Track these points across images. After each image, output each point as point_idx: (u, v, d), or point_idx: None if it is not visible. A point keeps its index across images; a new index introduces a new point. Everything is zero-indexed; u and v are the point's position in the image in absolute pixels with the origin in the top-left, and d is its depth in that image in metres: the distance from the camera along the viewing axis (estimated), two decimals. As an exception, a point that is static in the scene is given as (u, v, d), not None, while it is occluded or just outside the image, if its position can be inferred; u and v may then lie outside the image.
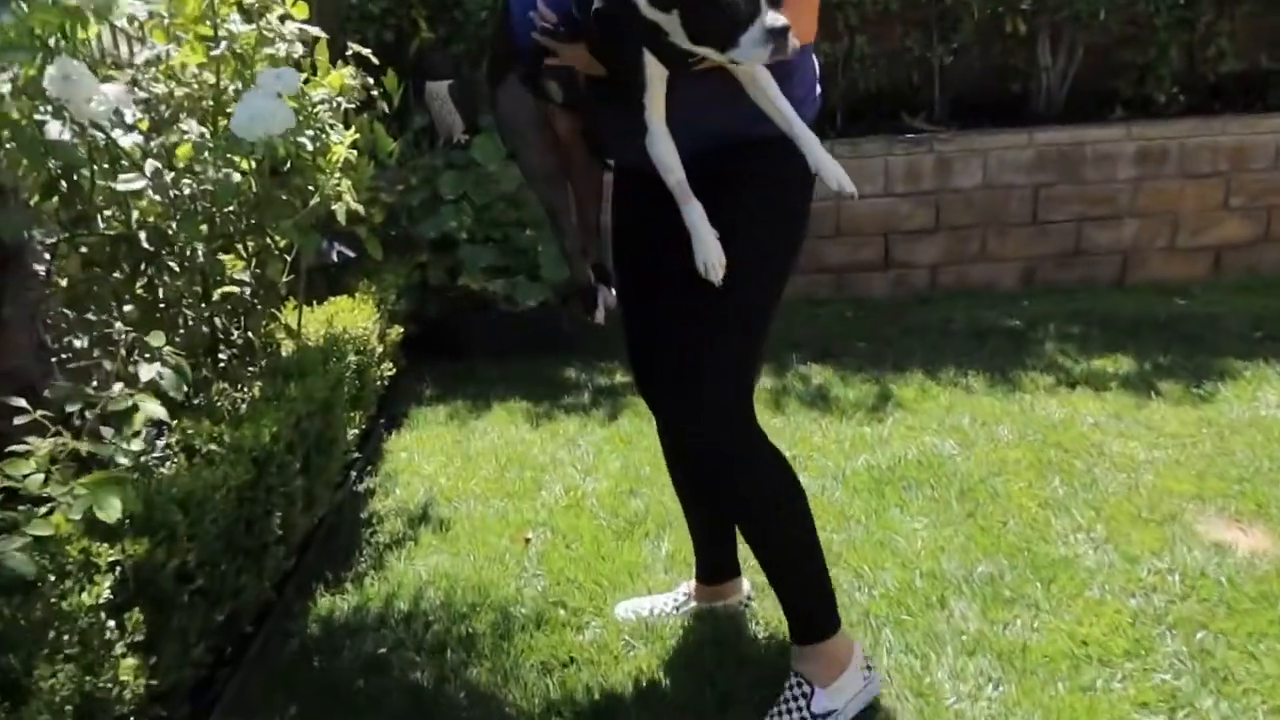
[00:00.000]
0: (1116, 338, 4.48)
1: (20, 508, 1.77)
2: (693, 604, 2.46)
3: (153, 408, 1.92)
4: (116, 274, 2.87)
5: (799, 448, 3.47)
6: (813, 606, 2.06)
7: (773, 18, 1.59)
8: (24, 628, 1.75)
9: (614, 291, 2.22)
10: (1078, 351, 4.34)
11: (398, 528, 3.10)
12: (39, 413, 1.88)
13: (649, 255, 2.03)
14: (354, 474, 3.53)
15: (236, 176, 2.69)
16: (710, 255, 1.76)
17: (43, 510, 1.78)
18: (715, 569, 2.42)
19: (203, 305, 2.97)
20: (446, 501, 3.26)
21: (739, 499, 1.98)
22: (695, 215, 1.78)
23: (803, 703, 2.01)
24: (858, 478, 3.20)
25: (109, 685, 1.79)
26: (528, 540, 2.95)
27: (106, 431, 1.88)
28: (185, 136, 2.62)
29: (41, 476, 1.73)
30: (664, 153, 1.79)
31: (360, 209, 3.35)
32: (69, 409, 1.86)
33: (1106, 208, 5.38)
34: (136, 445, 1.90)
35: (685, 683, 2.21)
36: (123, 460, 1.87)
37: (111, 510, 1.71)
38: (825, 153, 1.81)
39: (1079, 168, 5.32)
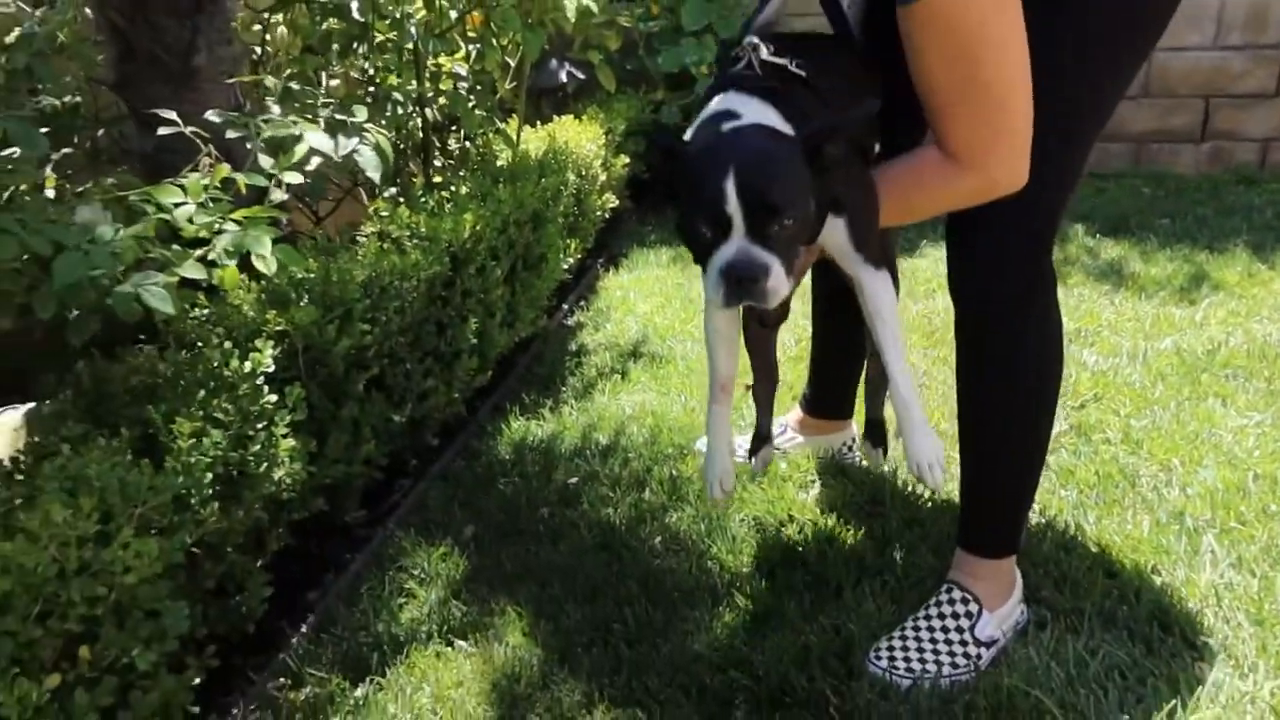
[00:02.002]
0: None
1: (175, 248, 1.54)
2: (798, 439, 2.15)
3: (317, 138, 1.62)
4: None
5: (1083, 321, 2.85)
6: (1013, 515, 1.61)
7: (738, 251, 1.16)
8: (170, 382, 1.54)
9: None
10: None
11: (606, 361, 2.78)
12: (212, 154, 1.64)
13: None
14: (565, 306, 3.25)
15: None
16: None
17: (199, 253, 1.54)
18: (836, 405, 2.14)
19: (414, 94, 2.70)
20: (661, 340, 2.90)
21: (998, 352, 1.49)
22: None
23: (966, 623, 1.56)
24: (1162, 360, 2.56)
25: (262, 459, 1.55)
26: (748, 387, 2.54)
27: (266, 162, 1.61)
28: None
29: (192, 207, 1.47)
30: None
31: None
32: (229, 136, 1.60)
33: None
34: (294, 178, 1.62)
35: (928, 556, 1.76)
36: (278, 195, 1.60)
37: (262, 248, 1.44)
38: (926, 434, 1.45)
39: None
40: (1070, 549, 1.79)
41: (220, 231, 1.46)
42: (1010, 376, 1.52)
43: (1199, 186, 4.27)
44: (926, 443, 1.44)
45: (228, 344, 1.66)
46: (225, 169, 1.54)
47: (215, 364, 1.62)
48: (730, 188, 1.13)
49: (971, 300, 1.51)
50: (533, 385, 2.66)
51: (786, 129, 1.26)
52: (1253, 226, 3.67)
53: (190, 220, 1.49)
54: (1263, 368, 2.49)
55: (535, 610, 1.71)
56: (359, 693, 1.56)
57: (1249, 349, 2.60)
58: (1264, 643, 1.53)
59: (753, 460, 1.87)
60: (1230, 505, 1.89)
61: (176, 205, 1.48)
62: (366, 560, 1.91)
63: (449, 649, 1.63)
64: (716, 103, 1.32)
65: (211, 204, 1.52)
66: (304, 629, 1.72)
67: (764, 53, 1.34)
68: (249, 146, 1.61)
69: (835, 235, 1.38)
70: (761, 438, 1.87)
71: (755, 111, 1.28)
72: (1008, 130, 1.31)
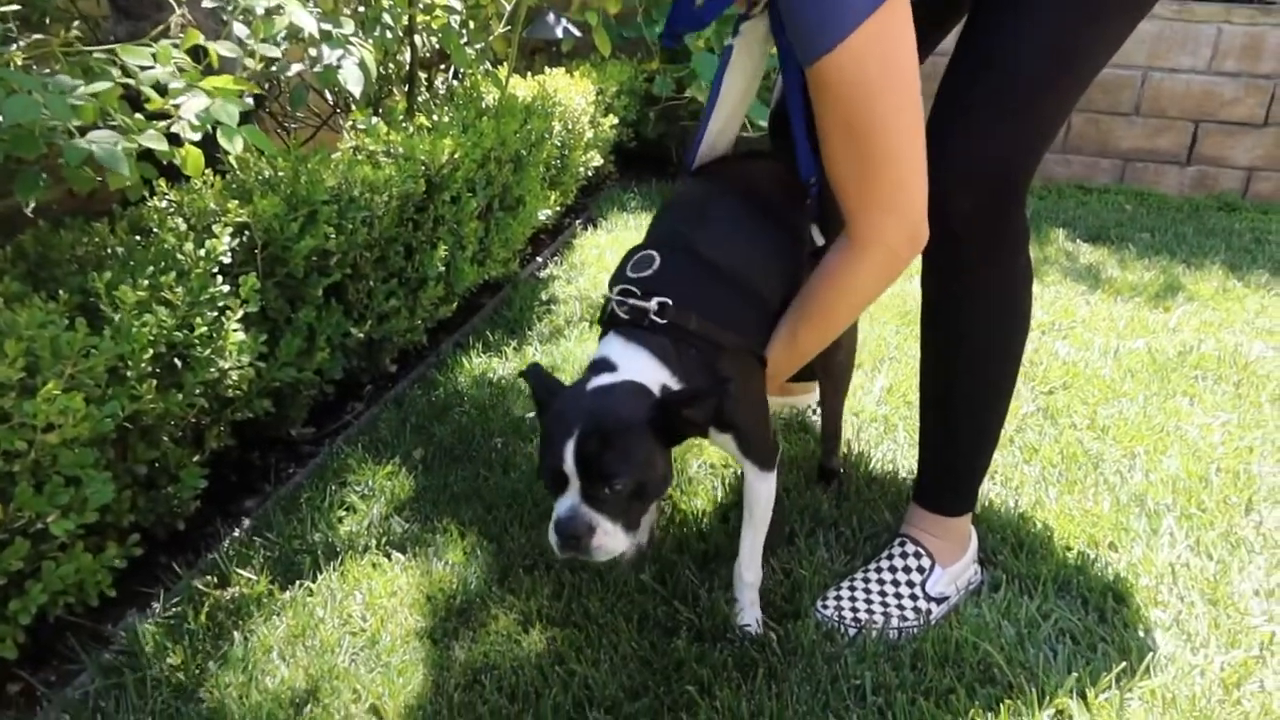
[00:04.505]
0: None
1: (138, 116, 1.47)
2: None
3: (300, 14, 1.56)
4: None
5: (1058, 315, 2.84)
6: (971, 472, 1.57)
7: (568, 509, 1.19)
8: (120, 256, 1.47)
9: None
10: None
11: (574, 311, 2.72)
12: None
13: None
14: (540, 259, 3.19)
15: None
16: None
17: (163, 124, 1.47)
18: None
19: (405, 19, 2.63)
20: (633, 296, 2.85)
21: (961, 300, 1.45)
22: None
23: (918, 577, 1.53)
24: (1133, 358, 2.55)
25: (207, 344, 1.48)
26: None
27: (242, 31, 1.54)
28: None
29: (159, 71, 1.40)
30: None
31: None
32: (209, 4, 1.53)
33: None
34: (271, 51, 1.55)
35: (884, 513, 1.72)
36: (250, 64, 1.53)
37: (229, 119, 1.37)
38: (752, 606, 1.47)
39: None
40: (1030, 519, 1.76)
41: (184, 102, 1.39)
42: (972, 323, 1.47)
43: (1180, 208, 4.29)
44: (752, 613, 1.48)
45: (183, 228, 1.60)
46: (197, 34, 1.46)
47: (169, 246, 1.56)
48: (569, 451, 1.17)
49: (936, 253, 1.47)
50: (499, 326, 2.61)
51: (661, 378, 1.26)
52: (1230, 247, 3.68)
53: (156, 86, 1.41)
54: (1232, 373, 2.48)
55: (479, 531, 1.65)
56: (287, 595, 1.49)
57: (1220, 355, 2.59)
58: (1216, 620, 1.51)
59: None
60: (1192, 493, 1.87)
61: (143, 69, 1.41)
62: (310, 473, 1.85)
63: (386, 560, 1.57)
64: (600, 348, 1.32)
65: (180, 72, 1.45)
66: (237, 532, 1.65)
67: (630, 302, 1.30)
68: (225, 19, 1.54)
69: (726, 445, 1.41)
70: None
71: (631, 364, 1.27)
72: (899, 202, 1.29)
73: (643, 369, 1.25)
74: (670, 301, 1.28)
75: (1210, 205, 4.36)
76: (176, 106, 1.41)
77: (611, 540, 1.19)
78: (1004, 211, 1.41)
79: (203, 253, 1.55)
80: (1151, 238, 3.78)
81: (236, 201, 1.67)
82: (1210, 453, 2.05)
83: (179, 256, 1.53)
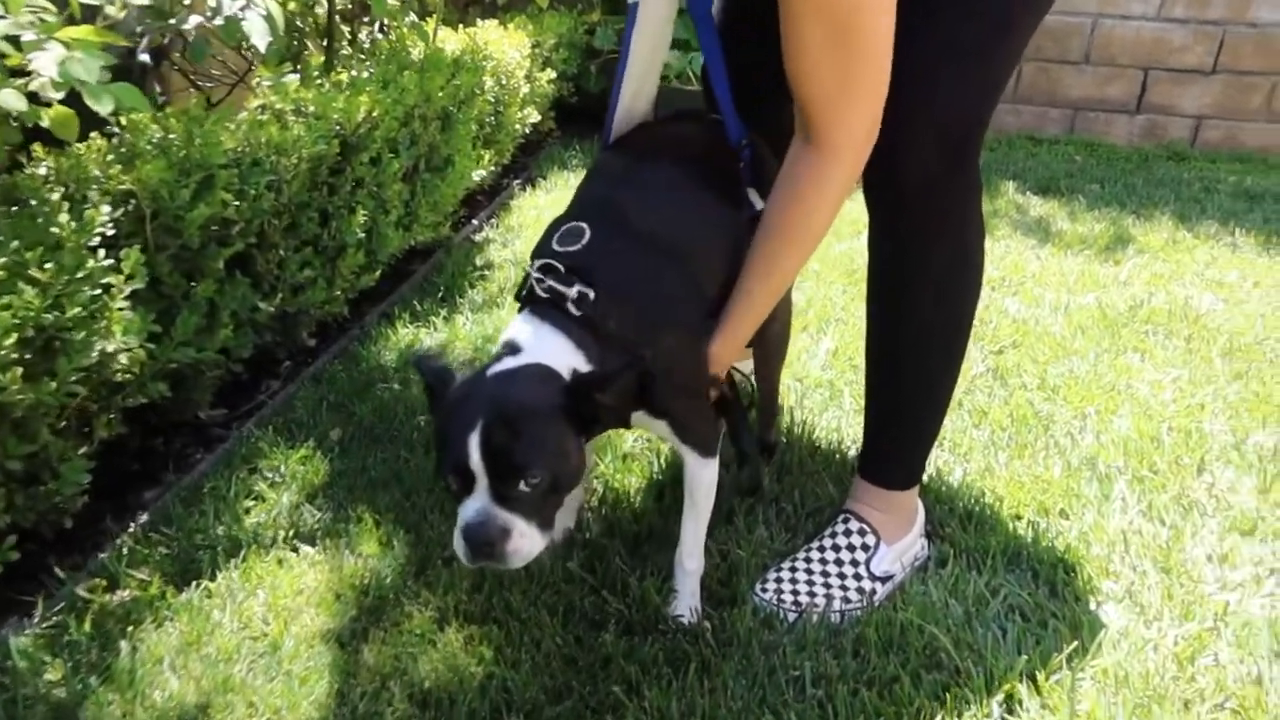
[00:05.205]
0: None
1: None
2: None
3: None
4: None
5: (1008, 271, 2.76)
6: (918, 442, 1.50)
7: (477, 512, 1.06)
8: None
9: None
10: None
11: (509, 277, 2.60)
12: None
13: None
14: (475, 221, 3.05)
15: None
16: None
17: (21, 82, 1.32)
18: None
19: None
20: (570, 260, 2.73)
21: (910, 263, 1.36)
22: None
23: (862, 556, 1.45)
24: (1084, 313, 2.48)
25: (83, 326, 1.34)
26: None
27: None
28: None
29: (7, 23, 1.25)
30: None
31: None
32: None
33: None
34: (138, -2, 1.40)
35: (828, 486, 1.64)
36: (111, 11, 1.37)
37: (89, 74, 1.22)
38: (692, 596, 1.39)
39: None
40: (979, 487, 1.69)
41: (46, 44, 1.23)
42: (921, 281, 1.38)
43: (1129, 158, 4.24)
44: (689, 602, 1.39)
45: (56, 197, 1.45)
46: (49, -20, 1.31)
47: (40, 219, 1.41)
48: (474, 443, 1.05)
49: (885, 206, 1.37)
50: (428, 295, 2.47)
51: (573, 361, 1.15)
52: (1180, 198, 3.63)
53: (9, 39, 1.26)
54: (1183, 327, 2.43)
55: (396, 519, 1.54)
56: (183, 598, 1.37)
57: (1170, 308, 2.54)
58: (1170, 590, 1.45)
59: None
60: (1144, 454, 1.81)
61: (-7, 19, 1.26)
62: (216, 460, 1.72)
63: (294, 555, 1.46)
64: (509, 329, 1.20)
65: (41, 22, 1.29)
66: (132, 528, 1.52)
67: (548, 282, 1.17)
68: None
69: (662, 430, 1.30)
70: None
71: (540, 344, 1.16)
72: (873, 95, 1.19)
73: (551, 351, 1.14)
74: (591, 294, 1.16)
75: (1159, 155, 4.31)
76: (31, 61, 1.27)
77: (528, 543, 1.08)
78: (957, 163, 1.31)
79: (76, 225, 1.40)
80: (1101, 189, 3.72)
81: (120, 167, 1.52)
82: (1162, 411, 1.99)
83: (52, 229, 1.39)
